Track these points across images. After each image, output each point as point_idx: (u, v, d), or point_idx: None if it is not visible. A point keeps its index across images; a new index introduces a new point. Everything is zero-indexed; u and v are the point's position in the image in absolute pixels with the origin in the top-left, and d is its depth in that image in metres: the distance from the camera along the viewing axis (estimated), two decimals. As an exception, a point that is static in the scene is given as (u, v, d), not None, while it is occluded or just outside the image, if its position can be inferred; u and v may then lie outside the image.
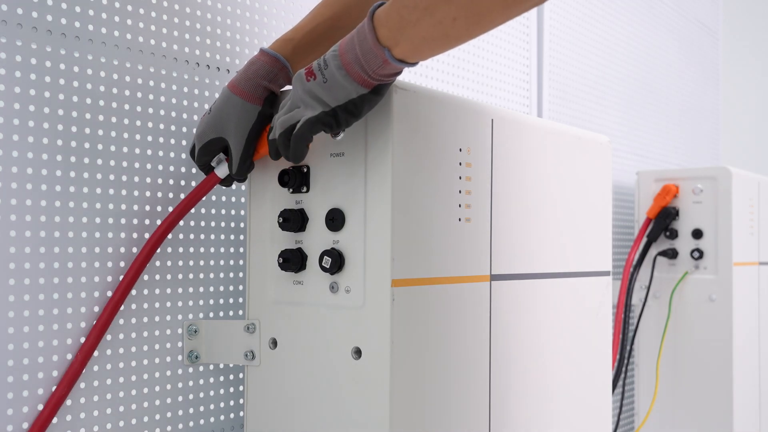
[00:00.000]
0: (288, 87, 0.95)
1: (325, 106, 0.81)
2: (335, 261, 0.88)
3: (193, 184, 1.04)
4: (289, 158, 0.85)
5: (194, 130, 1.02)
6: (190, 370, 1.04)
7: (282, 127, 0.84)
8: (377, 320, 0.85)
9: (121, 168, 0.96)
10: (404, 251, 0.86)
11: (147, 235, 0.98)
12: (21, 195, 0.86)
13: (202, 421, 1.06)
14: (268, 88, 0.92)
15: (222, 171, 0.96)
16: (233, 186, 1.07)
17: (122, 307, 0.96)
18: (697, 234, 1.83)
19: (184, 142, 1.03)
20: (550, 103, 1.82)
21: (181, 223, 1.03)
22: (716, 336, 1.79)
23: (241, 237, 1.11)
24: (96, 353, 0.93)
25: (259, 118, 0.91)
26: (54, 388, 0.89)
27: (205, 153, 0.94)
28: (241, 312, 1.11)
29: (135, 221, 0.97)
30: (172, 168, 1.02)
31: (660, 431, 1.89)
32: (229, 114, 0.91)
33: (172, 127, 1.02)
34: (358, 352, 0.87)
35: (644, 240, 1.88)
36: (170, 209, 1.01)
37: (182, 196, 1.03)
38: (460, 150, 0.94)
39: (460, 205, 0.94)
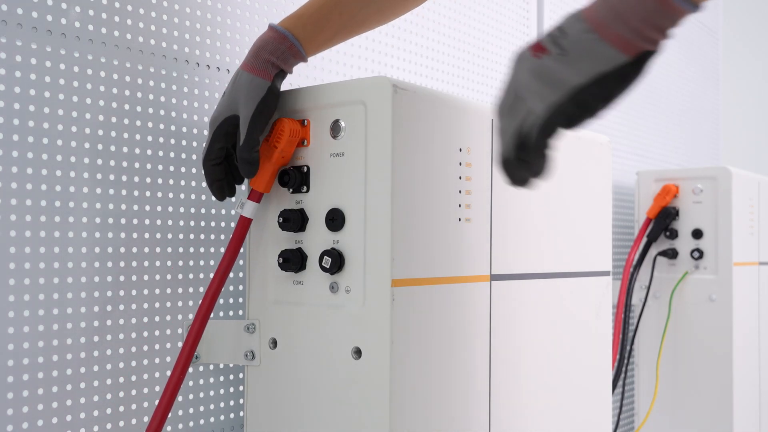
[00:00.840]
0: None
1: (562, 89, 0.62)
2: (335, 261, 0.88)
3: (194, 184, 1.04)
4: (532, 175, 0.67)
5: (197, 131, 1.02)
6: (190, 370, 1.04)
7: (512, 138, 0.65)
8: (377, 320, 0.85)
9: (121, 168, 0.96)
10: (404, 251, 0.86)
11: (147, 235, 0.98)
12: (21, 195, 0.86)
13: (202, 421, 1.06)
14: (276, 65, 0.90)
15: (248, 210, 0.93)
16: (242, 186, 1.07)
17: (122, 307, 0.96)
18: (697, 234, 1.83)
19: (183, 142, 1.03)
20: (550, 103, 1.82)
21: (181, 222, 1.03)
22: (716, 336, 1.79)
23: (241, 237, 1.10)
24: (96, 353, 0.93)
25: (269, 94, 0.88)
26: (48, 389, 0.89)
27: (218, 138, 0.90)
28: (241, 312, 1.11)
29: (135, 221, 0.97)
30: (172, 168, 1.02)
31: (660, 431, 1.89)
32: (241, 90, 0.89)
33: (172, 127, 1.02)
34: (358, 352, 0.87)
35: (644, 240, 1.88)
36: (170, 209, 1.01)
37: (182, 196, 1.03)
38: (460, 150, 0.94)
39: (460, 205, 0.94)
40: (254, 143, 0.88)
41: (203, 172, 0.93)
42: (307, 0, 0.95)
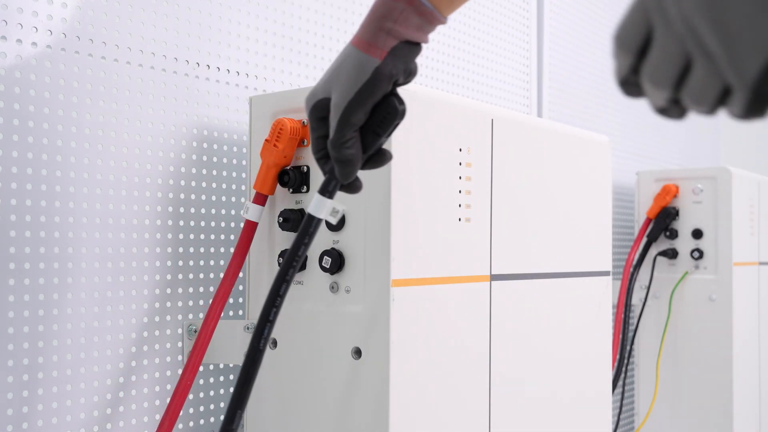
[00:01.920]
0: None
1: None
2: (335, 261, 0.88)
3: (194, 184, 1.04)
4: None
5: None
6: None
7: (696, 100, 0.42)
8: (377, 320, 0.85)
9: (121, 168, 0.96)
10: (404, 251, 0.86)
11: (147, 236, 0.98)
12: (21, 195, 0.86)
13: (202, 421, 1.06)
14: (393, 32, 0.69)
15: (253, 213, 0.90)
16: (234, 185, 1.07)
17: (122, 307, 0.96)
18: (697, 234, 1.83)
19: (184, 142, 1.03)
20: (550, 103, 1.82)
21: (181, 222, 1.03)
22: (716, 336, 1.79)
23: (241, 237, 1.10)
24: (96, 353, 0.93)
25: (375, 75, 0.68)
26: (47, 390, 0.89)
27: (315, 126, 0.73)
28: (241, 312, 1.11)
29: (135, 221, 0.97)
30: (172, 168, 1.02)
31: (660, 431, 1.89)
32: (341, 68, 0.70)
33: (172, 127, 1.02)
34: (358, 352, 0.87)
35: (644, 240, 1.88)
36: (170, 209, 1.01)
37: (182, 196, 1.03)
38: (460, 150, 0.94)
39: (460, 205, 0.94)
40: (346, 139, 0.70)
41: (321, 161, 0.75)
42: None
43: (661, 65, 0.43)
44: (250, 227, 0.94)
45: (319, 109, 0.72)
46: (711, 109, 0.42)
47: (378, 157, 0.73)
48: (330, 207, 0.72)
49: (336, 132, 0.69)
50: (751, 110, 0.40)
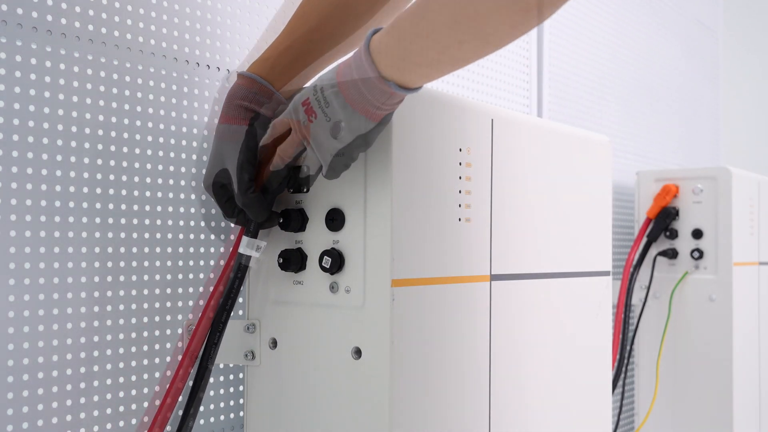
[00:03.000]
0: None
1: (334, 148, 0.80)
2: (335, 261, 0.88)
3: (194, 184, 1.04)
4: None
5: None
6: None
7: (289, 156, 0.85)
8: (377, 320, 0.85)
9: (121, 168, 0.96)
10: (404, 251, 0.86)
11: (147, 235, 0.98)
12: (21, 195, 0.86)
13: (202, 421, 1.06)
14: (249, 108, 0.91)
15: (245, 247, 0.93)
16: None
17: (122, 307, 0.96)
18: (697, 234, 1.83)
19: (184, 142, 1.03)
20: (550, 103, 1.82)
21: (181, 222, 1.03)
22: (716, 336, 1.79)
23: (241, 237, 1.10)
24: (96, 353, 0.93)
25: (246, 136, 0.89)
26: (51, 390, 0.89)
27: (220, 195, 0.92)
28: (241, 312, 1.11)
29: (135, 221, 0.97)
30: (172, 168, 1.02)
31: (660, 431, 1.89)
32: (224, 142, 0.91)
33: (172, 127, 1.02)
34: (358, 352, 0.87)
35: (644, 240, 1.88)
36: (170, 209, 1.01)
37: (182, 196, 1.03)
38: (460, 150, 0.94)
39: (460, 205, 0.94)
40: (246, 187, 0.88)
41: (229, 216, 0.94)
42: (273, 41, 0.95)
43: (288, 145, 0.85)
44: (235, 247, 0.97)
45: (219, 179, 0.91)
46: (313, 172, 0.86)
47: (292, 181, 0.93)
48: (255, 244, 0.92)
49: (238, 185, 0.88)
50: (329, 174, 0.83)
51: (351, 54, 0.79)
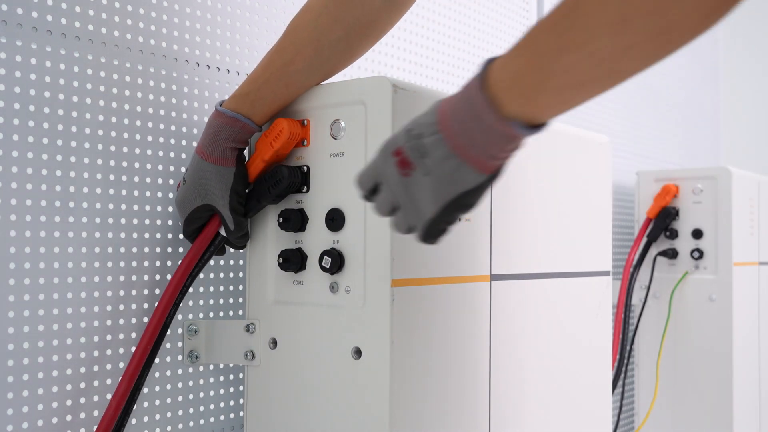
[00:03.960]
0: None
1: (429, 210, 0.69)
2: (335, 261, 0.88)
3: (193, 184, 1.04)
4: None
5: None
6: (190, 370, 1.04)
7: (384, 212, 0.75)
8: (377, 320, 0.85)
9: (121, 168, 0.96)
10: (404, 251, 0.86)
11: (147, 235, 0.98)
12: (21, 195, 0.86)
13: (202, 421, 1.06)
14: (234, 148, 0.91)
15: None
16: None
17: (122, 307, 0.96)
18: (697, 234, 1.83)
19: (184, 142, 1.03)
20: (550, 103, 1.82)
21: (181, 223, 1.03)
22: (716, 336, 1.79)
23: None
24: (96, 353, 0.93)
25: (235, 179, 0.91)
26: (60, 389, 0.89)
27: (192, 221, 0.95)
28: (241, 312, 1.11)
29: (135, 221, 0.97)
30: (172, 168, 1.02)
31: (660, 431, 1.89)
32: (208, 180, 0.91)
33: (172, 127, 1.02)
34: (358, 352, 0.87)
35: (644, 240, 1.88)
36: (170, 209, 1.01)
37: (182, 196, 1.03)
38: (460, 150, 0.94)
39: (460, 205, 0.94)
40: (242, 227, 0.94)
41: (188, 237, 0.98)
42: (250, 75, 0.93)
43: (381, 204, 0.74)
44: (209, 233, 0.98)
45: (199, 212, 0.93)
46: (404, 233, 0.74)
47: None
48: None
49: (235, 225, 0.92)
50: (424, 240, 0.73)
51: (460, 88, 0.68)
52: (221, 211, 0.92)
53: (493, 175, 0.67)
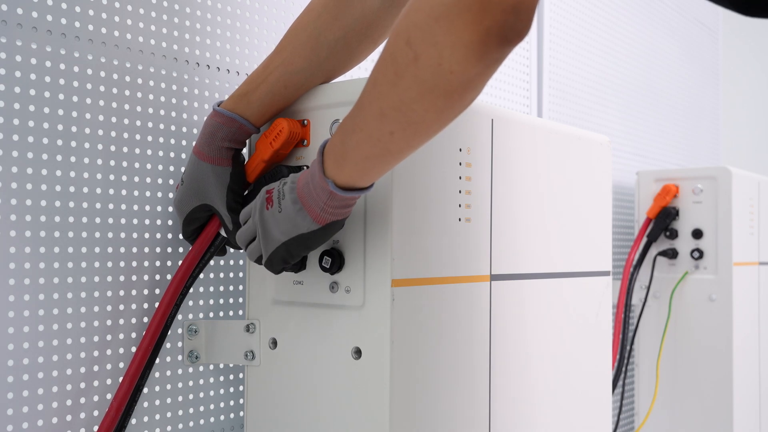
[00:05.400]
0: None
1: (275, 241, 0.82)
2: (335, 261, 0.88)
3: (193, 184, 1.04)
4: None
5: (169, 208, 1.02)
6: (190, 370, 1.04)
7: (243, 242, 0.88)
8: (377, 320, 0.85)
9: (121, 168, 0.96)
10: (404, 251, 0.86)
11: (147, 235, 0.98)
12: (21, 195, 0.86)
13: (202, 421, 1.06)
14: (231, 148, 0.92)
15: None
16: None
17: (122, 307, 0.96)
18: (697, 234, 1.83)
19: (184, 142, 1.03)
20: (550, 103, 1.82)
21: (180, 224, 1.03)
22: (716, 336, 1.79)
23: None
24: (96, 353, 0.93)
25: (232, 178, 0.92)
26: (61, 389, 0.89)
27: (191, 222, 0.95)
28: (241, 312, 1.11)
29: (135, 221, 0.97)
30: (172, 168, 1.02)
31: (660, 431, 1.89)
32: (205, 180, 0.92)
33: (172, 127, 1.02)
34: (358, 352, 0.87)
35: (644, 240, 1.88)
36: (170, 209, 1.01)
37: (182, 196, 1.03)
38: (460, 150, 0.94)
39: (460, 205, 0.94)
40: (237, 228, 0.93)
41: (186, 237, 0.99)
42: (249, 75, 0.93)
43: (242, 233, 0.88)
44: (211, 230, 0.98)
45: (197, 212, 0.94)
46: (253, 260, 0.88)
47: None
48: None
49: (234, 227, 0.92)
50: (268, 267, 0.87)
51: None
52: (219, 211, 0.93)
53: (328, 227, 0.80)
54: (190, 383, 1.04)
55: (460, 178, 0.94)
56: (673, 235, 1.85)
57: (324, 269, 0.89)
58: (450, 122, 0.71)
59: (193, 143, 1.04)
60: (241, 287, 1.11)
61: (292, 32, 0.93)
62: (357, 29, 0.93)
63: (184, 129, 1.03)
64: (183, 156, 1.03)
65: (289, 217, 0.80)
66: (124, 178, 0.96)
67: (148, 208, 0.99)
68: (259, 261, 0.87)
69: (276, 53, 0.93)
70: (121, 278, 0.96)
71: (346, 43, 0.93)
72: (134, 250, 0.97)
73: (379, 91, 0.68)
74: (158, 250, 1.00)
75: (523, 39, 0.61)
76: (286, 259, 0.84)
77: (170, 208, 1.01)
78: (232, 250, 1.09)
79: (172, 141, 1.02)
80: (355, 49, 0.95)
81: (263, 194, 0.85)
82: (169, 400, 1.02)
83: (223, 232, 0.97)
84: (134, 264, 0.97)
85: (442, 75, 0.63)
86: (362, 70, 1.30)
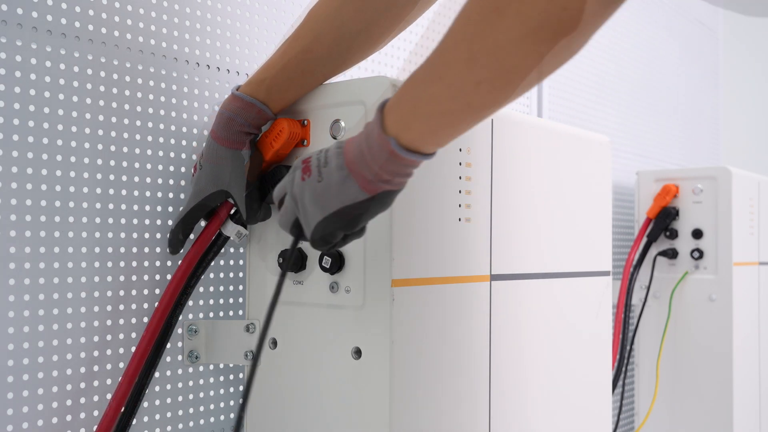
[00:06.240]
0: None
1: (314, 217, 0.73)
2: (335, 261, 0.88)
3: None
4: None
5: (182, 200, 1.02)
6: (190, 370, 1.04)
7: (285, 225, 0.79)
8: (377, 320, 0.85)
9: (121, 168, 0.96)
10: (404, 251, 0.86)
11: (147, 235, 0.98)
12: (21, 195, 0.86)
13: (202, 421, 1.06)
14: (249, 132, 0.91)
15: (229, 229, 0.98)
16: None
17: (122, 307, 0.96)
18: (697, 234, 1.83)
19: (184, 142, 1.03)
20: (550, 103, 1.82)
21: (182, 213, 1.03)
22: (716, 336, 1.79)
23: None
24: (96, 353, 0.93)
25: (251, 162, 0.91)
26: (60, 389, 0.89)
27: (203, 207, 0.94)
28: (241, 312, 1.11)
29: (135, 221, 0.97)
30: (172, 168, 1.02)
31: (660, 431, 1.89)
32: (224, 165, 0.91)
33: (172, 127, 1.02)
34: (358, 352, 0.87)
35: (644, 240, 1.88)
36: (170, 209, 1.01)
37: (182, 196, 1.03)
38: (460, 150, 0.94)
39: (460, 205, 0.94)
40: (255, 214, 0.93)
41: (174, 227, 0.96)
42: (267, 61, 0.93)
43: (282, 212, 0.78)
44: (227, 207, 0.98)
45: (213, 198, 0.93)
46: (294, 236, 0.78)
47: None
48: (236, 229, 0.98)
49: (248, 212, 0.91)
50: (312, 244, 0.76)
51: None
52: (235, 196, 0.92)
53: (377, 198, 0.71)
54: (190, 383, 1.04)
55: (460, 178, 0.94)
56: (673, 235, 1.85)
57: (324, 269, 0.89)
58: (547, 76, 0.62)
59: (194, 143, 1.04)
60: (241, 287, 1.11)
61: (311, 19, 0.92)
62: (380, 21, 0.92)
63: (184, 129, 1.03)
64: (183, 156, 1.03)
65: (332, 186, 0.71)
66: (124, 178, 0.96)
67: (148, 208, 0.99)
68: (299, 236, 0.78)
69: (294, 39, 0.92)
70: (121, 278, 0.96)
71: (368, 34, 0.92)
72: (134, 250, 0.97)
73: (472, 31, 0.59)
74: (158, 250, 1.00)
75: None
76: (327, 239, 0.75)
77: (170, 208, 1.01)
78: (231, 249, 1.09)
79: (172, 141, 1.02)
80: (376, 39, 0.94)
81: (298, 164, 0.76)
82: (169, 400, 1.02)
83: (224, 232, 0.97)
84: (134, 264, 0.97)
85: (552, 12, 0.55)
86: (362, 69, 1.30)
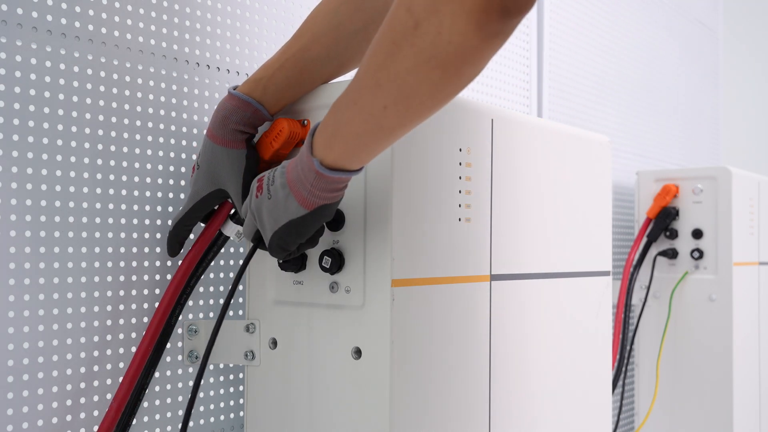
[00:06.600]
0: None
1: (268, 229, 0.81)
2: (335, 261, 0.88)
3: (193, 184, 1.04)
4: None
5: (181, 201, 1.02)
6: (190, 370, 1.04)
7: (248, 235, 0.87)
8: (377, 320, 0.85)
9: (121, 168, 0.96)
10: (404, 251, 0.86)
11: (147, 235, 0.98)
12: (21, 195, 0.86)
13: (202, 421, 1.06)
14: (245, 132, 0.91)
15: (229, 229, 0.98)
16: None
17: (122, 307, 0.96)
18: (697, 234, 1.83)
19: (184, 142, 1.03)
20: (550, 103, 1.82)
21: (180, 214, 1.03)
22: (716, 336, 1.79)
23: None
24: (96, 353, 0.93)
25: (247, 162, 0.91)
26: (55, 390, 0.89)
27: (201, 207, 0.94)
28: (241, 312, 1.11)
29: (135, 221, 0.97)
30: (172, 168, 1.02)
31: (660, 431, 1.89)
32: (221, 165, 0.91)
33: (172, 127, 1.02)
34: (358, 352, 0.87)
35: (644, 240, 1.88)
36: (170, 209, 1.01)
37: (182, 196, 1.03)
38: (460, 150, 0.94)
39: (460, 205, 0.94)
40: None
41: (173, 228, 0.96)
42: (266, 61, 0.93)
43: (245, 226, 0.86)
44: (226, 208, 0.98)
45: (210, 198, 0.93)
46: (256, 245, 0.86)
47: None
48: (236, 228, 0.99)
49: (242, 205, 0.90)
50: (272, 254, 0.84)
51: None
52: (233, 197, 0.92)
53: (316, 212, 0.78)
54: (190, 383, 1.04)
55: (460, 178, 0.94)
56: (673, 235, 1.86)
57: (324, 269, 0.89)
58: (446, 101, 0.68)
59: (194, 143, 1.04)
60: (241, 287, 1.11)
61: (312, 19, 0.92)
62: (379, 20, 0.92)
63: (184, 129, 1.03)
64: (183, 156, 1.03)
65: (278, 203, 0.79)
66: (124, 178, 0.96)
67: (148, 208, 0.99)
68: (256, 244, 0.87)
69: (294, 39, 0.92)
70: (121, 278, 0.96)
71: (366, 34, 0.92)
72: (134, 250, 0.97)
73: (376, 61, 0.66)
74: (158, 250, 1.00)
75: (525, 14, 0.60)
76: (283, 247, 0.83)
77: (170, 208, 1.01)
78: (232, 249, 1.09)
79: (172, 141, 1.02)
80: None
81: (255, 182, 0.84)
82: (169, 400, 1.02)
83: (224, 232, 0.97)
84: (134, 264, 0.97)
85: (440, 45, 0.61)
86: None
